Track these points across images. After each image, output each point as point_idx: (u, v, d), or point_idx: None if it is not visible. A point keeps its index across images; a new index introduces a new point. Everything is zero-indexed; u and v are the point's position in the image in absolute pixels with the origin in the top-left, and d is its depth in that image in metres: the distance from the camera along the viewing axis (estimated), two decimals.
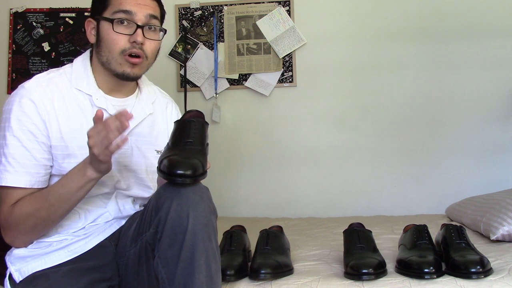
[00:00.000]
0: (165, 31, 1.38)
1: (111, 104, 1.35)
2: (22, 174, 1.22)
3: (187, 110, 1.58)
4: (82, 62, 1.37)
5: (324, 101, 2.74)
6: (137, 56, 1.30)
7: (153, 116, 1.44)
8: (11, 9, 2.94)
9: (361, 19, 2.72)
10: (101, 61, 1.32)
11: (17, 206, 1.21)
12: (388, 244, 1.73)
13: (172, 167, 1.09)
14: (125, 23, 1.29)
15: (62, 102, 1.28)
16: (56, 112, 1.26)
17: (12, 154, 1.21)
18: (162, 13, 1.39)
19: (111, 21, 1.29)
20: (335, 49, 2.73)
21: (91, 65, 1.37)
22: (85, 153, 1.19)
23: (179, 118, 1.34)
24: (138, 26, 1.29)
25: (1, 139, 1.23)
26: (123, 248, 1.31)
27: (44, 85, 1.28)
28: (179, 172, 1.09)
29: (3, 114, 1.24)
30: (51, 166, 1.27)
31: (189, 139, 1.18)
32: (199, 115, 1.31)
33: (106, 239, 1.32)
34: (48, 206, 1.20)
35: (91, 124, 1.20)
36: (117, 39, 1.29)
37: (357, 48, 2.71)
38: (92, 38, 1.35)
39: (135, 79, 1.36)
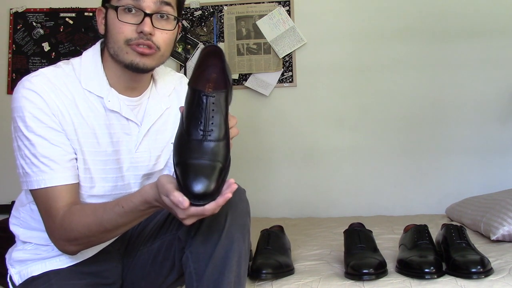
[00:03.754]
0: (178, 20, 1.21)
1: (125, 105, 1.23)
2: (60, 171, 1.12)
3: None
4: (92, 57, 1.23)
5: (324, 101, 2.74)
6: (147, 47, 1.15)
7: (170, 109, 1.32)
8: (11, 9, 2.93)
9: (361, 19, 2.72)
10: (110, 54, 1.18)
11: (70, 219, 1.10)
12: (388, 244, 1.73)
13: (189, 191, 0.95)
14: (133, 10, 1.14)
15: (73, 104, 1.16)
16: (70, 113, 1.15)
17: (42, 153, 1.11)
18: None
19: (116, 8, 1.15)
20: (335, 49, 2.73)
21: (101, 60, 1.23)
22: (97, 161, 1.17)
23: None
24: (146, 14, 1.13)
25: (21, 140, 1.12)
26: (134, 247, 1.29)
27: (53, 82, 1.15)
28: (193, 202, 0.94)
29: (13, 113, 1.13)
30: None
31: (207, 129, 1.00)
32: (217, 64, 1.07)
33: (109, 244, 1.26)
34: (103, 231, 1.09)
35: (104, 129, 1.18)
36: (122, 28, 1.14)
37: (357, 48, 2.71)
38: (101, 28, 1.22)
39: (146, 70, 1.19)
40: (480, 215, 1.92)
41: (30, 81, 1.13)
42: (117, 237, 1.22)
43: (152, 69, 1.21)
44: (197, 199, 0.92)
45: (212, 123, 0.99)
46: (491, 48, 2.61)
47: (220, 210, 1.00)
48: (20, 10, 2.94)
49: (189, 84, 1.03)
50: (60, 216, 1.10)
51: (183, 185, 0.93)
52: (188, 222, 0.97)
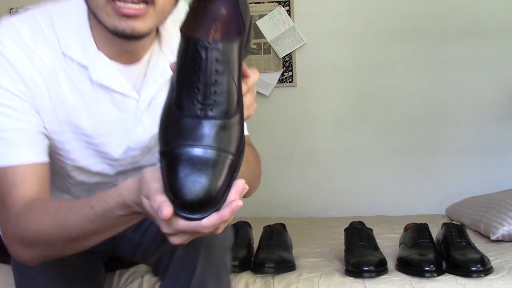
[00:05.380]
0: None
1: (118, 74, 0.94)
2: (25, 146, 0.87)
3: None
4: (75, 11, 0.92)
5: (324, 101, 2.74)
6: (134, 3, 0.82)
7: None
8: (11, 9, 2.94)
9: (361, 19, 2.72)
10: (92, 11, 0.89)
11: (26, 216, 0.84)
12: (388, 243, 1.73)
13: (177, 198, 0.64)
14: None
15: (53, 75, 0.90)
16: (48, 87, 0.90)
17: (3, 124, 0.87)
18: None
19: None
20: (335, 49, 2.73)
21: (88, 15, 0.92)
22: (82, 147, 0.95)
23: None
24: None
25: None
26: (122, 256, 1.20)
27: (29, 45, 0.88)
28: (185, 213, 0.64)
29: None
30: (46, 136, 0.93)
31: (208, 100, 0.65)
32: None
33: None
34: (66, 238, 0.81)
35: (91, 107, 0.93)
36: None
37: (357, 48, 2.72)
38: None
39: (139, 36, 0.87)
40: (480, 215, 1.92)
41: (2, 43, 0.88)
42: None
43: (147, 33, 0.88)
44: (189, 209, 0.62)
45: (215, 91, 0.65)
46: (491, 48, 2.61)
47: (192, 248, 0.85)
48: (20, 10, 2.94)
49: (181, 30, 0.70)
50: (18, 209, 0.84)
51: (169, 187, 0.63)
52: (177, 240, 0.67)
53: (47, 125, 0.91)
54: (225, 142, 0.65)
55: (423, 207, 2.60)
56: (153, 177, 0.66)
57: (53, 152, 0.96)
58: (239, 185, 0.65)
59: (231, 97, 0.67)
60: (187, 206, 0.62)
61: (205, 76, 0.65)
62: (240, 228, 1.61)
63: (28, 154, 0.87)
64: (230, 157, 0.65)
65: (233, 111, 0.67)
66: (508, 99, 2.60)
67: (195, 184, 0.62)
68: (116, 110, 0.97)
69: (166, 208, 0.62)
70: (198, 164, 0.63)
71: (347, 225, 1.65)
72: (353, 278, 1.34)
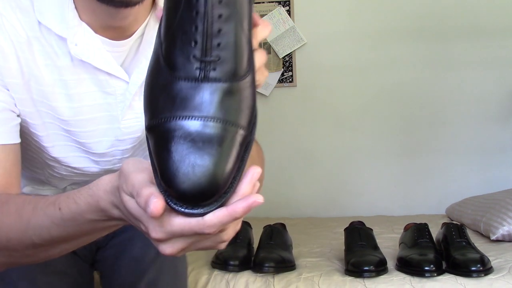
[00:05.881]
0: None
1: (104, 50, 0.77)
2: None
3: None
4: None
5: (324, 101, 2.74)
6: None
7: None
8: None
9: (361, 19, 2.72)
10: None
11: None
12: (388, 243, 1.73)
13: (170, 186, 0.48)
14: None
15: (26, 48, 0.75)
16: (21, 62, 0.75)
17: None
18: None
19: None
20: (335, 49, 2.74)
21: None
22: (59, 136, 0.81)
23: None
24: None
25: None
26: (107, 260, 1.05)
27: (0, 12, 0.74)
28: (182, 207, 0.49)
29: None
30: (18, 115, 0.78)
31: (209, 56, 0.49)
32: None
33: None
34: (28, 245, 0.65)
35: (69, 88, 0.78)
36: None
37: (357, 48, 2.72)
38: None
39: (128, 3, 0.72)
40: (480, 215, 1.92)
41: None
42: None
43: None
44: (187, 201, 0.48)
45: (218, 44, 0.49)
46: (491, 48, 2.61)
47: (140, 273, 0.75)
48: None
49: None
50: None
51: (160, 174, 0.48)
52: (169, 249, 0.51)
53: (18, 104, 0.76)
54: (233, 112, 0.49)
55: (423, 207, 2.60)
56: (136, 168, 0.52)
57: (28, 136, 0.80)
58: (254, 173, 0.50)
59: (239, 52, 0.50)
60: (184, 198, 0.47)
61: (204, 24, 0.48)
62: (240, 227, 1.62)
63: None
64: (241, 131, 0.49)
65: (242, 71, 0.50)
66: (508, 99, 2.60)
67: (195, 168, 0.46)
68: (101, 93, 0.81)
69: (154, 200, 0.46)
70: (198, 141, 0.47)
71: (347, 225, 1.65)
72: (353, 277, 1.34)
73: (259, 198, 0.49)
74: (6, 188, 0.71)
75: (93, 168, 0.86)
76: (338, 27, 2.74)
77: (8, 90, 0.75)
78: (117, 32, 0.78)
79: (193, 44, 0.48)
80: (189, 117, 0.48)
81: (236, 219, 0.48)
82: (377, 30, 2.70)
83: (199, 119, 0.48)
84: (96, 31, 0.77)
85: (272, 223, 1.70)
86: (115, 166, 0.87)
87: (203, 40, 0.48)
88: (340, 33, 2.73)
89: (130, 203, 0.51)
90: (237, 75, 0.50)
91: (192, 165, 0.46)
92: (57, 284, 0.95)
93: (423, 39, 2.67)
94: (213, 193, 0.47)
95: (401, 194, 2.66)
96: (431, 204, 2.59)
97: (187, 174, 0.46)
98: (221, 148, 0.47)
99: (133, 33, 0.80)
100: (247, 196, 0.48)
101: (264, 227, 1.61)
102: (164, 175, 0.47)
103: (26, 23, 0.74)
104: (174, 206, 0.48)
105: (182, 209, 0.48)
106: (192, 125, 0.48)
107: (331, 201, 2.70)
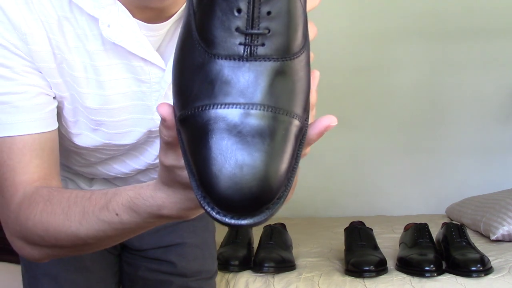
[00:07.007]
0: None
1: (140, 34, 0.70)
2: (25, 113, 0.68)
3: None
4: None
5: (324, 101, 2.72)
6: None
7: None
8: None
9: (361, 19, 2.72)
10: None
11: (27, 214, 0.65)
12: (388, 243, 1.73)
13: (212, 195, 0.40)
14: None
15: (57, 29, 0.69)
16: (52, 43, 0.69)
17: None
18: None
19: None
20: (335, 49, 2.73)
21: None
22: (85, 125, 0.75)
23: None
24: None
25: None
26: (133, 256, 1.05)
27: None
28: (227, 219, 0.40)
29: None
30: (54, 98, 0.73)
31: (256, 29, 0.40)
32: None
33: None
34: (82, 244, 0.64)
35: (100, 74, 0.72)
36: None
37: (357, 48, 2.72)
38: None
39: None
40: (480, 215, 1.92)
41: None
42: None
43: None
44: (233, 209, 0.38)
45: (269, 13, 0.39)
46: (491, 48, 2.61)
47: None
48: None
49: None
50: (18, 199, 0.66)
51: (197, 176, 0.39)
52: (192, 214, 0.52)
53: (53, 88, 0.72)
54: (286, 97, 0.41)
55: (423, 207, 2.60)
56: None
57: (58, 120, 0.75)
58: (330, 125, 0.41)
59: (294, 23, 0.41)
60: (231, 206, 0.38)
61: None
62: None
63: (28, 126, 0.67)
64: (296, 122, 0.41)
65: (297, 47, 0.42)
66: (508, 99, 2.60)
67: (244, 168, 0.37)
68: (134, 81, 0.74)
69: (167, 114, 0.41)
70: (245, 135, 0.38)
71: (347, 225, 1.65)
72: (353, 277, 1.34)
73: (333, 121, 0.42)
74: (45, 180, 0.68)
75: (128, 159, 0.83)
76: (338, 27, 2.73)
77: (41, 72, 0.70)
78: (154, 13, 0.71)
79: (236, 13, 0.38)
80: (232, 104, 0.39)
81: (307, 146, 0.42)
82: (377, 30, 2.70)
83: (245, 107, 0.39)
84: (131, 12, 0.69)
85: (272, 223, 1.70)
86: (147, 162, 0.84)
87: (249, 7, 0.38)
88: (340, 33, 2.73)
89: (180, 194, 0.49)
90: (291, 52, 0.41)
91: (240, 165, 0.37)
92: (79, 282, 0.94)
93: (424, 39, 2.67)
94: (267, 199, 0.38)
95: (401, 194, 2.66)
96: (431, 204, 2.59)
97: (233, 177, 0.37)
98: (274, 142, 0.38)
99: (172, 16, 0.72)
100: (319, 119, 0.41)
101: (264, 227, 1.61)
102: (204, 178, 0.38)
103: (57, 1, 0.68)
104: (217, 216, 0.39)
105: (227, 220, 0.38)
106: (237, 114, 0.38)
107: (331, 201, 2.70)
